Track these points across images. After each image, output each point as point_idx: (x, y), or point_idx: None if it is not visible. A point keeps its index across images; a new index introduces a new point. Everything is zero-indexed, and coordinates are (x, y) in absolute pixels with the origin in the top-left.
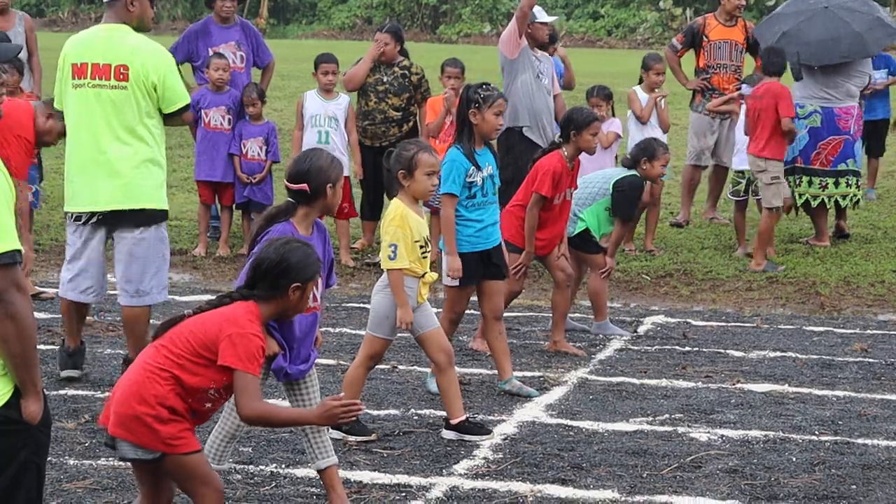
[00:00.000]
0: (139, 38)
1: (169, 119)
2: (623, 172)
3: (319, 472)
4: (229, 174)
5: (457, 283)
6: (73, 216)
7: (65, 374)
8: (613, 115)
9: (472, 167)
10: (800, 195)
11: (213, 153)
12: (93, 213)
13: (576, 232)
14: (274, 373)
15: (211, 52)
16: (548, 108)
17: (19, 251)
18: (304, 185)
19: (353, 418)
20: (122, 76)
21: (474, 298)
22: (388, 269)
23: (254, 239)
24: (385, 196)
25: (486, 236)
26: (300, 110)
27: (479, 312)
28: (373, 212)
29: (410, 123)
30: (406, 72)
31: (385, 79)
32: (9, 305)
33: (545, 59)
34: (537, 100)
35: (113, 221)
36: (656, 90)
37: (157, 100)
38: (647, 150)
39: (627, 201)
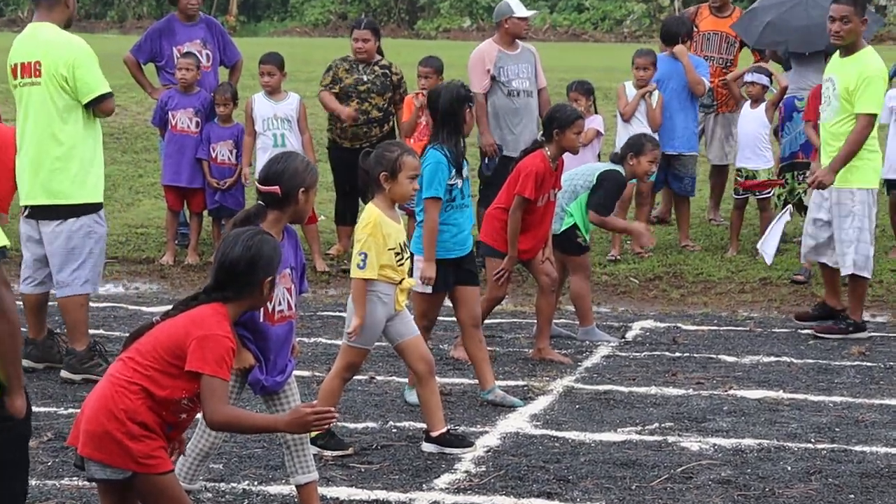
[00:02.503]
0: (54, 32)
1: (93, 109)
2: (607, 166)
3: (298, 487)
4: (198, 179)
5: (429, 289)
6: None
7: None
8: (595, 112)
9: (454, 170)
10: (803, 192)
11: (179, 157)
12: (26, 206)
13: (562, 229)
14: (250, 386)
15: (175, 52)
16: (530, 114)
17: (5, 248)
18: (276, 188)
19: (327, 427)
20: (37, 72)
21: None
22: (353, 277)
23: None
24: (358, 200)
25: (461, 242)
26: (249, 114)
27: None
28: (347, 216)
29: (390, 124)
30: (387, 71)
31: (366, 78)
32: (0, 302)
33: (522, 54)
34: (512, 117)
35: (38, 215)
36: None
37: (73, 91)
38: (635, 146)
39: (605, 194)
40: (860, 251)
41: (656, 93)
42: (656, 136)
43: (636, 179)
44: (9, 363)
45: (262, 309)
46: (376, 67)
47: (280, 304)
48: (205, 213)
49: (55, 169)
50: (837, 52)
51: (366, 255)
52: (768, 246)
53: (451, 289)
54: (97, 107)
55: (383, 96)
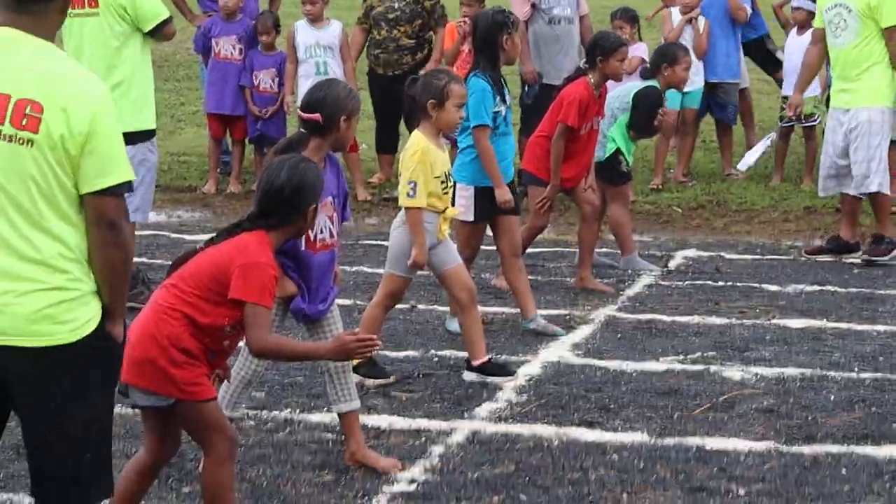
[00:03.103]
0: None
1: (152, 37)
2: (642, 83)
3: (340, 415)
4: (240, 107)
5: (470, 217)
6: None
7: None
8: (640, 39)
9: (499, 97)
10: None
11: (223, 85)
12: None
13: (606, 156)
14: (292, 314)
15: None
16: (571, 42)
17: (131, 182)
18: (317, 115)
19: (369, 354)
20: (93, 2)
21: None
22: (406, 207)
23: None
24: (398, 128)
25: (504, 170)
26: (291, 42)
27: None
28: (389, 144)
29: (425, 51)
30: None
31: (396, 5)
32: (121, 234)
33: None
34: (553, 45)
35: None
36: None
37: (134, 20)
38: (668, 55)
39: (644, 114)
40: (882, 168)
41: (702, 18)
42: (700, 64)
43: (674, 88)
44: (118, 291)
45: (303, 237)
46: None
47: (322, 232)
48: (246, 141)
49: (114, 97)
50: None
51: (415, 184)
52: (750, 157)
53: (491, 217)
54: (161, 31)
55: (412, 24)
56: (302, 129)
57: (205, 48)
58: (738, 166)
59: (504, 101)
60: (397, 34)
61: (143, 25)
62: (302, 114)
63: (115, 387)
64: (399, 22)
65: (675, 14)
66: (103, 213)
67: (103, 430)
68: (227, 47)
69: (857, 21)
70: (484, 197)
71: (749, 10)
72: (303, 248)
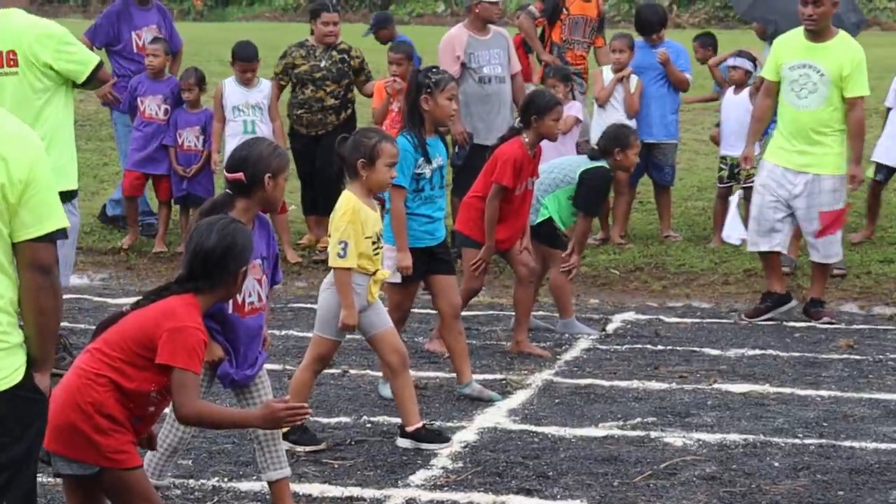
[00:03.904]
0: (23, 17)
1: (88, 85)
2: (590, 162)
3: (270, 484)
4: (164, 166)
5: (399, 280)
6: None
7: None
8: (573, 98)
9: (422, 158)
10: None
11: (145, 144)
12: None
13: (538, 221)
14: (219, 379)
15: (134, 36)
16: (503, 101)
17: (65, 229)
18: (240, 175)
19: (300, 422)
20: (12, 62)
21: (427, 297)
22: (335, 268)
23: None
24: (322, 187)
25: (432, 231)
26: (219, 100)
27: (435, 312)
28: (314, 205)
29: (349, 111)
30: (345, 55)
31: (322, 64)
32: (55, 279)
33: (494, 39)
34: (483, 104)
35: None
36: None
37: (65, 75)
38: (620, 140)
39: (594, 193)
40: (840, 238)
41: (634, 77)
42: (633, 124)
43: (622, 171)
44: (48, 339)
45: (231, 300)
46: (334, 52)
47: (250, 295)
48: (172, 201)
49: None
50: (794, 36)
51: (346, 244)
52: (732, 230)
53: (423, 278)
54: (95, 78)
55: (339, 83)
56: (227, 190)
57: (130, 107)
58: (728, 241)
59: (429, 161)
60: (322, 94)
61: (76, 77)
62: (226, 174)
63: (41, 440)
64: (325, 82)
65: (606, 72)
66: (38, 258)
67: (24, 485)
68: (153, 107)
69: (828, 87)
70: (416, 258)
71: (690, 79)
72: (231, 311)
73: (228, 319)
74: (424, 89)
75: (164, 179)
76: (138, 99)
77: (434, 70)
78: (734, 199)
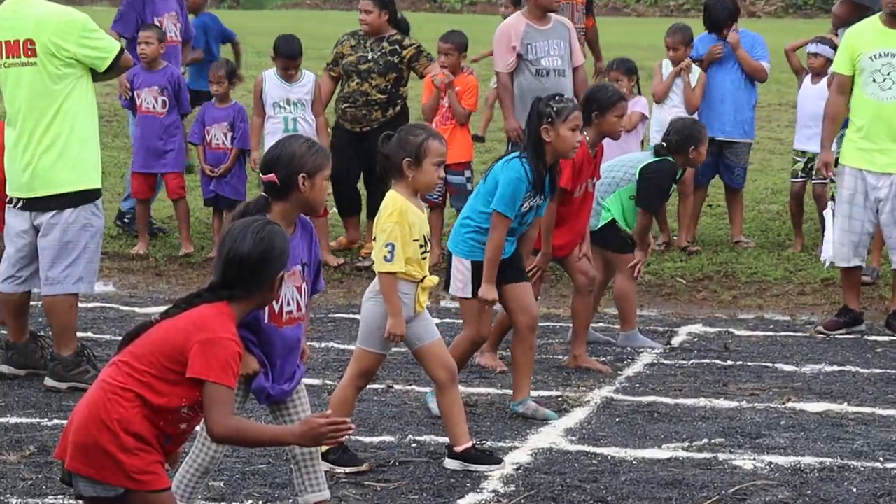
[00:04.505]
0: (42, 5)
1: (110, 73)
2: (653, 158)
3: None
4: (171, 163)
5: (469, 294)
6: (8, 199)
7: None
8: (639, 93)
9: (533, 192)
10: None
11: (146, 141)
12: (17, 198)
13: (600, 225)
14: (254, 394)
15: (157, 22)
16: (561, 93)
17: None
18: (272, 176)
19: (341, 441)
20: (30, 51)
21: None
22: (380, 272)
23: None
24: (364, 186)
25: (505, 249)
26: (259, 94)
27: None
28: (352, 205)
29: (398, 107)
30: (396, 47)
31: (370, 56)
32: None
33: (554, 29)
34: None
35: (32, 206)
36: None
37: (86, 64)
38: (693, 136)
39: (656, 190)
40: None
41: (696, 70)
42: (696, 117)
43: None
44: None
45: (267, 309)
46: (385, 44)
47: (289, 304)
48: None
49: (53, 154)
50: (870, 24)
51: (393, 246)
52: (827, 250)
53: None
54: (117, 65)
55: (386, 77)
56: (262, 193)
57: (131, 102)
58: (823, 258)
59: (537, 196)
60: (367, 87)
61: (98, 66)
62: (260, 175)
63: None
64: (371, 74)
65: (667, 66)
66: None
67: None
68: (150, 99)
69: None
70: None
71: (769, 69)
72: (267, 321)
73: (264, 330)
74: (546, 119)
75: (173, 177)
76: (135, 92)
77: (557, 98)
78: (829, 214)
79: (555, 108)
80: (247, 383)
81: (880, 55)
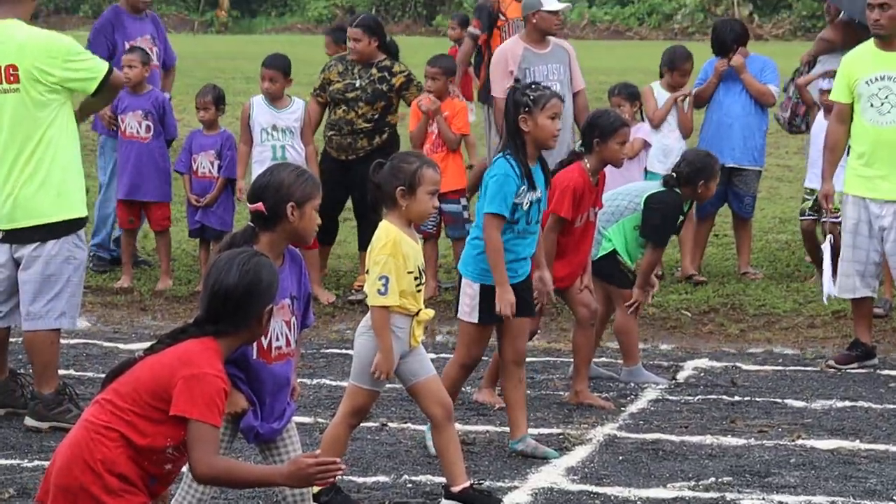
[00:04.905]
0: (25, 30)
1: (100, 95)
2: (658, 187)
3: None
4: (156, 191)
5: (475, 319)
6: None
7: None
8: (642, 119)
9: (525, 186)
10: None
11: (131, 168)
12: None
13: (600, 255)
14: (243, 433)
15: (128, 47)
16: (562, 121)
17: None
18: (260, 205)
19: (332, 481)
20: (12, 77)
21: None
22: (373, 306)
23: None
24: (354, 216)
25: (517, 269)
26: (246, 121)
27: (485, 358)
28: (327, 235)
29: (385, 135)
30: (385, 74)
31: (357, 83)
32: None
33: (553, 53)
34: None
35: (12, 238)
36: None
37: (74, 88)
38: (706, 170)
39: (662, 222)
40: None
41: (689, 97)
42: (685, 144)
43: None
44: None
45: (255, 345)
46: (374, 70)
47: (278, 339)
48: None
49: (35, 182)
50: (864, 49)
51: (387, 279)
52: (830, 284)
53: (499, 321)
54: (107, 85)
55: (374, 105)
56: (250, 223)
57: (112, 120)
58: (828, 292)
59: (534, 189)
60: (353, 116)
61: (86, 90)
62: (247, 204)
63: None
64: (358, 103)
65: (658, 90)
66: None
67: None
68: (133, 124)
69: None
70: (493, 296)
71: (777, 91)
72: (255, 357)
73: (253, 366)
74: (523, 108)
75: (157, 207)
76: (119, 117)
77: (533, 86)
78: (826, 248)
79: (531, 97)
80: (235, 422)
81: (876, 79)
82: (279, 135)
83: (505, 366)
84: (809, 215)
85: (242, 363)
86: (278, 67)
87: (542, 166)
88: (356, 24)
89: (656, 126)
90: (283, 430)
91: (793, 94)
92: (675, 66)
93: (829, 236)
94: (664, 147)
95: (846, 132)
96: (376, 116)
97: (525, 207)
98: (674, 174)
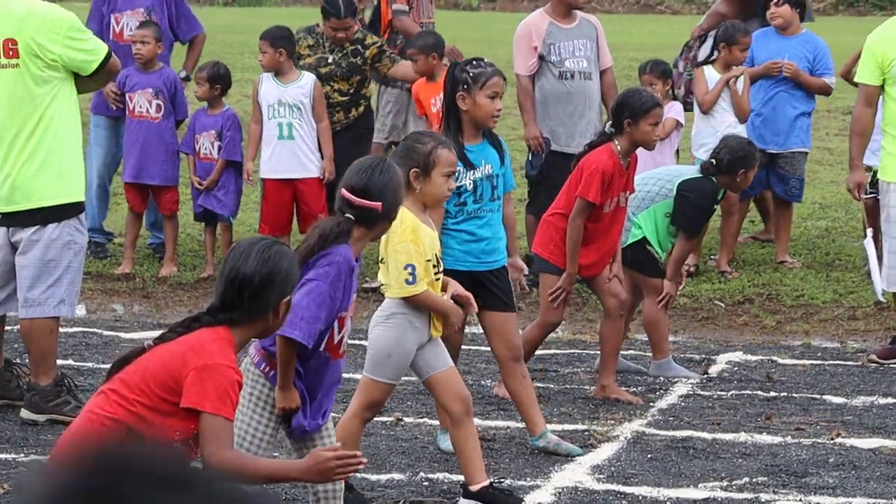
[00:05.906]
0: (23, 2)
1: (95, 77)
2: (692, 172)
3: None
4: (163, 174)
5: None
6: None
7: None
8: (673, 98)
9: (460, 165)
10: None
11: (139, 150)
12: None
13: (629, 242)
14: (290, 432)
15: (113, 20)
16: (589, 101)
17: None
18: (378, 204)
19: (350, 475)
20: (11, 52)
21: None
22: (404, 297)
23: (303, 261)
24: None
25: (478, 253)
26: (256, 98)
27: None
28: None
29: (361, 108)
30: (358, 47)
31: (330, 59)
32: None
33: (580, 28)
34: (565, 104)
35: (10, 221)
36: (733, 69)
37: (71, 67)
38: (746, 159)
39: (695, 211)
40: None
41: (742, 78)
42: (744, 129)
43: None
44: None
45: (327, 339)
46: (346, 43)
47: (345, 336)
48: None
49: (35, 163)
50: (893, 27)
51: (414, 268)
52: (878, 281)
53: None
54: (104, 69)
55: (349, 81)
56: (349, 216)
57: (119, 98)
58: (879, 290)
59: (472, 168)
60: (328, 91)
61: (84, 70)
62: (356, 199)
63: None
64: (332, 78)
65: (709, 71)
66: None
67: None
68: (143, 103)
69: None
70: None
71: (833, 82)
72: (323, 348)
73: (320, 360)
74: (461, 86)
75: (167, 190)
76: (127, 95)
77: (474, 62)
78: (869, 244)
79: (471, 74)
80: (286, 420)
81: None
82: (286, 111)
83: (502, 363)
84: (870, 193)
85: (306, 356)
86: (266, 37)
87: (491, 142)
88: (345, 14)
89: (706, 110)
90: (323, 426)
91: (684, 71)
92: (734, 41)
93: (868, 231)
94: (716, 130)
95: (874, 115)
96: (352, 91)
97: (470, 187)
98: (713, 161)
